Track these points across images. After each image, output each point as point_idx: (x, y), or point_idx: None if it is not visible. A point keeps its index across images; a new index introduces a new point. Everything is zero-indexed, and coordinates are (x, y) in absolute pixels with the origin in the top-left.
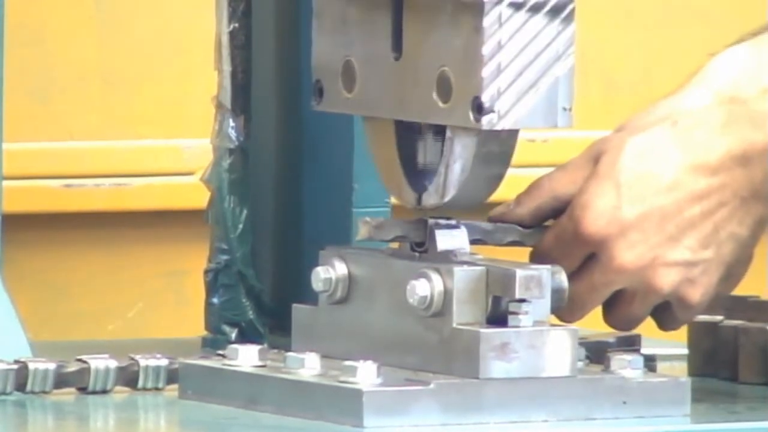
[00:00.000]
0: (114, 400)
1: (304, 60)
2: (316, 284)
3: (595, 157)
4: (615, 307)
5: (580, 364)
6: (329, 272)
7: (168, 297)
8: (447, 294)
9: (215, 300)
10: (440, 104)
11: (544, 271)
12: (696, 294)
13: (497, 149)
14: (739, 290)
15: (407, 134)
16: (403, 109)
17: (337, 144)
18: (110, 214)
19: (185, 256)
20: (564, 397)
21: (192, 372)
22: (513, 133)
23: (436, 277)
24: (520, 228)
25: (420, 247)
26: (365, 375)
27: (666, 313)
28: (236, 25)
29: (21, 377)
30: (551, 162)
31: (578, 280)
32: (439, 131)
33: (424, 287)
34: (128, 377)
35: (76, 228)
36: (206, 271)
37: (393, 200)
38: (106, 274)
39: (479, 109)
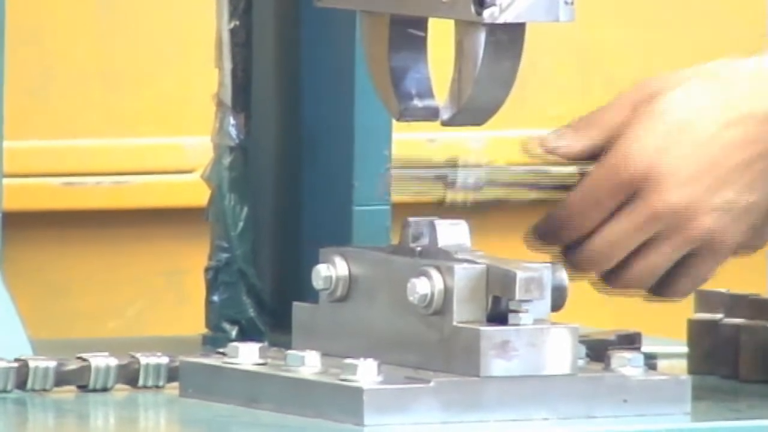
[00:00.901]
0: (114, 399)
1: (305, 58)
2: (317, 282)
3: (632, 105)
4: (631, 261)
5: (581, 362)
6: (330, 270)
7: (168, 295)
8: (447, 292)
9: (216, 298)
10: None
11: (544, 271)
12: (729, 238)
13: (506, 38)
14: (740, 288)
15: (400, 41)
16: (405, 4)
17: (337, 142)
18: (110, 212)
19: (186, 254)
20: (564, 395)
21: (192, 370)
22: (520, 25)
23: (436, 275)
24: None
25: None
26: (366, 373)
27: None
28: (237, 22)
29: (21, 375)
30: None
31: (616, 221)
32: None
33: (424, 285)
34: (129, 375)
35: (76, 226)
36: (206, 269)
37: (393, 198)
38: (107, 271)
39: (480, 2)
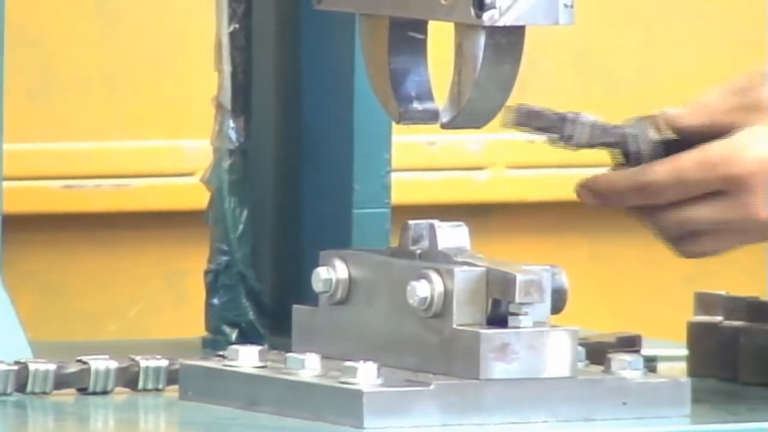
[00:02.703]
0: (114, 401)
1: (305, 61)
2: (317, 285)
3: (755, 96)
4: (708, 238)
5: (580, 364)
6: (330, 273)
7: (168, 298)
8: (447, 295)
9: (215, 301)
10: (441, 1)
11: (544, 274)
12: None
13: (505, 41)
14: (740, 291)
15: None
16: (405, 7)
17: (337, 144)
18: (110, 215)
19: (185, 256)
20: (564, 398)
21: (192, 373)
22: (519, 28)
23: (436, 278)
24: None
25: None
26: (365, 376)
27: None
28: (236, 26)
29: (21, 378)
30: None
31: (699, 206)
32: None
33: (424, 288)
34: (128, 378)
35: (76, 229)
36: (206, 272)
37: (393, 201)
38: (106, 274)
39: (480, 5)
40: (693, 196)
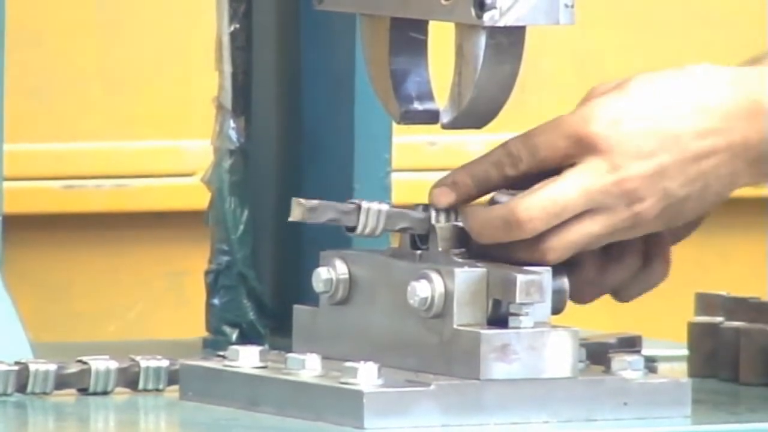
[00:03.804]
0: (114, 402)
1: (305, 61)
2: (317, 285)
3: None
4: (565, 226)
5: (581, 365)
6: (330, 273)
7: (169, 298)
8: (448, 295)
9: (216, 301)
10: (442, 2)
11: (545, 274)
12: (654, 225)
13: (506, 41)
14: (740, 291)
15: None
16: (405, 7)
17: (338, 145)
18: (111, 215)
19: (186, 257)
20: (565, 399)
21: (193, 373)
22: (520, 28)
23: (436, 279)
24: None
25: (351, 232)
26: (366, 376)
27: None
28: (237, 26)
29: (22, 378)
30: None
31: (561, 181)
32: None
33: (424, 288)
34: (129, 378)
35: (76, 229)
36: (207, 273)
37: (393, 201)
38: (107, 275)
39: (481, 5)
40: (548, 164)
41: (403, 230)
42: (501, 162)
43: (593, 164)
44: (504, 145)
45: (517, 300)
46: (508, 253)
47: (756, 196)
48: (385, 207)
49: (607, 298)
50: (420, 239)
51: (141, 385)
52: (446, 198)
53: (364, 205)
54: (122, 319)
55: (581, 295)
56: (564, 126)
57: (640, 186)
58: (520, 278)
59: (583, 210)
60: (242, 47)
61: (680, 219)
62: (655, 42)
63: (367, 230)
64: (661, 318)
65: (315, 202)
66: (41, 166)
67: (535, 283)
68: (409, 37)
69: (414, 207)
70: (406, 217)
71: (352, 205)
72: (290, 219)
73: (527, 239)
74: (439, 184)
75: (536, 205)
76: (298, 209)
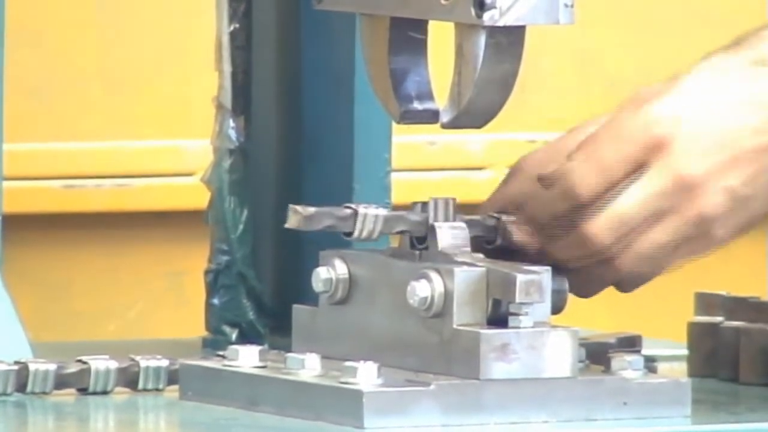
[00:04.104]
0: (114, 401)
1: (305, 60)
2: (317, 285)
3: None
4: (644, 235)
5: (581, 365)
6: (330, 273)
7: (168, 298)
8: (447, 295)
9: (215, 301)
10: (441, 1)
11: (544, 274)
12: (725, 226)
13: (506, 41)
14: (740, 291)
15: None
16: (405, 6)
17: (337, 144)
18: (111, 214)
19: (186, 256)
20: (564, 398)
21: (192, 373)
22: (520, 28)
23: (436, 278)
24: None
25: (349, 237)
26: (365, 376)
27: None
28: (237, 25)
29: (21, 378)
30: None
31: (628, 194)
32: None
33: (424, 288)
34: (128, 378)
35: (76, 229)
36: (206, 272)
37: (393, 201)
38: (107, 274)
39: (480, 5)
40: (616, 179)
41: (400, 233)
42: (568, 192)
43: (655, 170)
44: (565, 172)
45: (517, 300)
46: (587, 270)
47: None
48: (382, 212)
49: (606, 297)
50: (418, 240)
51: (141, 385)
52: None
53: (361, 210)
54: (122, 318)
55: (586, 289)
56: (626, 133)
57: (701, 183)
58: (520, 278)
59: (647, 218)
60: (242, 47)
61: (749, 221)
62: (655, 41)
63: (364, 235)
64: (660, 318)
65: (312, 210)
66: (41, 166)
67: (535, 283)
68: (408, 36)
69: (412, 206)
70: (403, 220)
71: (349, 211)
72: (286, 226)
73: (602, 257)
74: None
75: (602, 223)
76: (295, 217)
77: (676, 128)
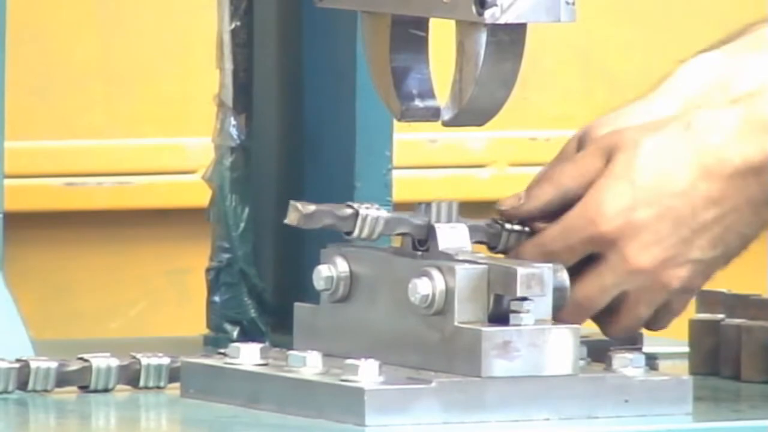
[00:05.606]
0: (116, 399)
1: (306, 58)
2: (318, 282)
3: (606, 152)
4: (618, 314)
5: (582, 362)
6: (331, 270)
7: (170, 295)
8: (449, 292)
9: (217, 298)
10: None
11: (545, 269)
12: (698, 286)
13: (507, 39)
14: (741, 289)
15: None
16: (406, 4)
17: (339, 142)
18: (112, 212)
19: (187, 254)
20: (566, 396)
21: (194, 370)
22: (521, 25)
23: (437, 276)
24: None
25: (349, 236)
26: (367, 373)
27: (658, 313)
28: (238, 23)
29: (23, 376)
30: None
31: (585, 282)
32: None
33: (425, 286)
34: (130, 376)
35: (77, 226)
36: (208, 270)
37: (395, 198)
38: (108, 272)
39: (482, 2)
40: (581, 257)
41: (401, 235)
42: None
43: (611, 261)
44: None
45: (518, 293)
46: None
47: None
48: (383, 213)
49: None
50: (419, 243)
51: (142, 383)
52: None
53: (362, 211)
54: (123, 316)
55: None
56: (574, 232)
57: (660, 269)
58: (521, 271)
59: (613, 300)
60: (243, 44)
61: (724, 264)
62: (656, 39)
63: (364, 235)
64: None
65: (312, 207)
66: (42, 164)
67: (536, 276)
68: (409, 34)
69: (416, 207)
70: (404, 222)
71: (350, 210)
72: (285, 222)
73: (605, 321)
74: None
75: (568, 309)
76: (294, 214)
77: (624, 220)
